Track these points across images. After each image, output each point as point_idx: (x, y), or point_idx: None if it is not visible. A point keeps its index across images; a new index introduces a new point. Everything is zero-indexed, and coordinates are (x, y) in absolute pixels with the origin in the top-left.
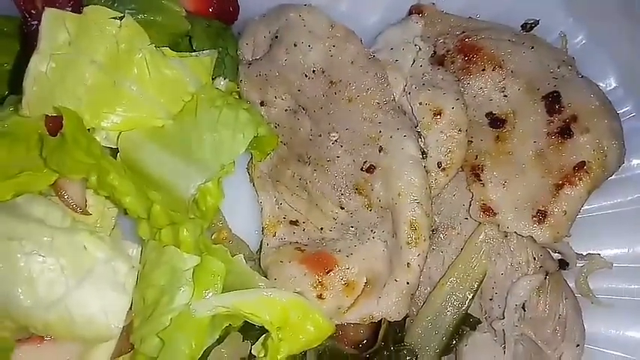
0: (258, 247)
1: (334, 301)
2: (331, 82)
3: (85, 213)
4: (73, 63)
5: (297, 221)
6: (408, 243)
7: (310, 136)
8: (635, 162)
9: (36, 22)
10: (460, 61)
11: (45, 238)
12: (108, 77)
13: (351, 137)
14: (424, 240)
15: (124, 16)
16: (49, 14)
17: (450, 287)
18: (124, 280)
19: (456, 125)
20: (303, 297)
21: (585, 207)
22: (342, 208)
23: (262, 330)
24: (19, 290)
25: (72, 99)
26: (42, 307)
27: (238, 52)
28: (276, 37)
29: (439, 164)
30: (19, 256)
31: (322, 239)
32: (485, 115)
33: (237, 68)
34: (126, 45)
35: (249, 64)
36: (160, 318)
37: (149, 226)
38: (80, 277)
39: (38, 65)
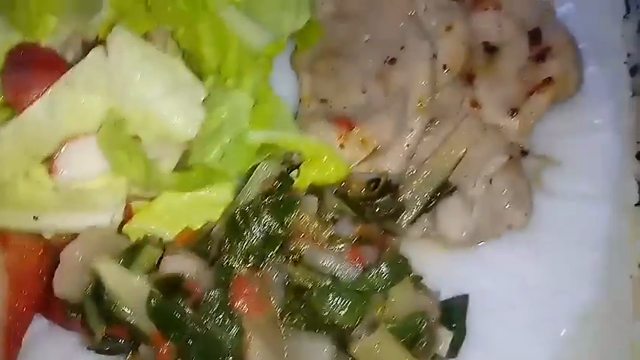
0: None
1: (351, 151)
2: None
3: None
4: None
5: (326, 100)
6: (414, 112)
7: (347, 36)
8: None
9: None
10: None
11: None
12: None
13: (381, 40)
14: (426, 111)
15: None
16: None
17: (438, 160)
18: (201, 102)
19: (460, 39)
20: (329, 144)
21: None
22: (364, 92)
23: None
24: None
25: None
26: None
27: None
28: None
29: (444, 66)
30: None
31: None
32: (482, 43)
33: None
34: None
35: None
36: (221, 137)
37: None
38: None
39: None
